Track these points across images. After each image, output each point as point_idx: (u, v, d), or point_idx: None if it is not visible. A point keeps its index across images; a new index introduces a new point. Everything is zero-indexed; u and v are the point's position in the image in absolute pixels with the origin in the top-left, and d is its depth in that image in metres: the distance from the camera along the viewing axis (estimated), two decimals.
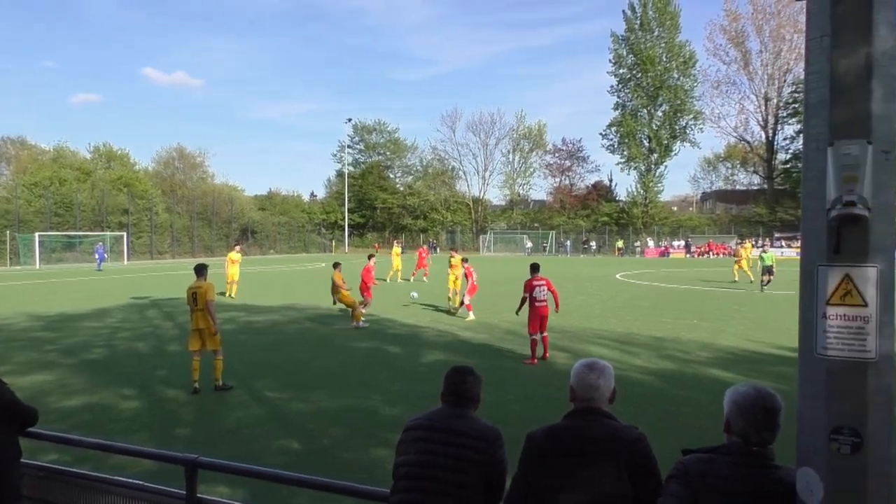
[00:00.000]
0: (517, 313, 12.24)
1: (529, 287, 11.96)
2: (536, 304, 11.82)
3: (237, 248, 26.37)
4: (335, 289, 15.97)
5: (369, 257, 18.51)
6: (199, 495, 3.60)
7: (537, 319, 11.77)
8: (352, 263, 29.03)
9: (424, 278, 29.77)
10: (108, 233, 52.29)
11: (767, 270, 25.12)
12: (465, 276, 18.41)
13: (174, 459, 3.80)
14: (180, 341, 13.78)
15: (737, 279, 29.60)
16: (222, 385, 9.66)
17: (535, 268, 12.27)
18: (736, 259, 30.97)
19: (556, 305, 12.30)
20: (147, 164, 76.22)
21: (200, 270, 10.18)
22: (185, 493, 3.58)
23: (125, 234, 53.12)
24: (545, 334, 11.93)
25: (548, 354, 11.85)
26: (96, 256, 42.46)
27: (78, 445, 4.72)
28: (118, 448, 4.81)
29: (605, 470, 2.58)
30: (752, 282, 28.21)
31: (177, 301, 21.47)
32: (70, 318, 17.61)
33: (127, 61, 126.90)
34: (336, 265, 16.48)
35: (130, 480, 4.06)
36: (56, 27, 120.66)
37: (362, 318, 15.89)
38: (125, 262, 50.76)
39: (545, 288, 11.94)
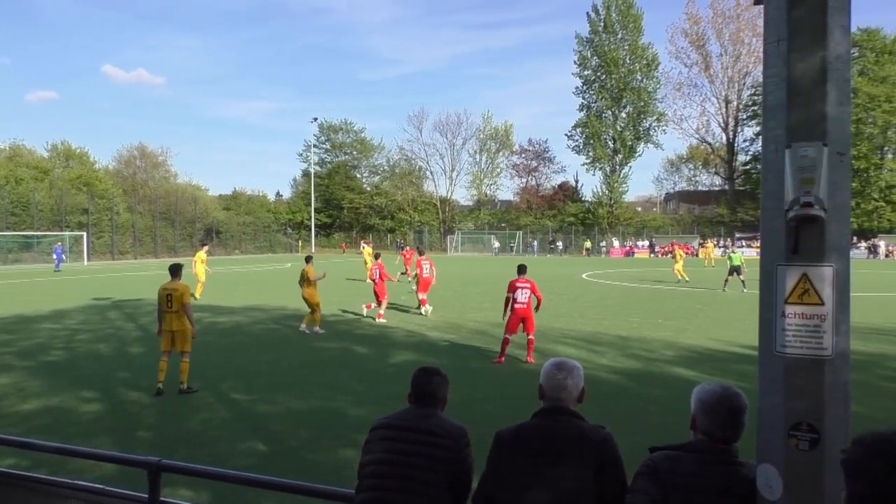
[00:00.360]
0: (503, 318, 12.02)
1: (512, 287, 11.80)
2: (516, 305, 11.70)
3: (205, 248, 25.97)
4: (307, 283, 15.23)
5: (376, 256, 18.23)
6: (162, 499, 3.54)
7: (516, 320, 11.67)
8: (321, 263, 28.78)
9: (402, 276, 29.34)
10: (67, 233, 51.08)
11: (735, 270, 25.35)
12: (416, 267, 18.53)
13: (136, 463, 3.73)
14: (142, 343, 13.55)
15: (681, 279, 30.07)
16: (187, 388, 9.49)
17: (521, 269, 12.03)
18: (674, 260, 31.61)
19: (538, 305, 12.05)
20: (107, 163, 74.53)
21: (175, 271, 10.02)
22: (147, 496, 3.51)
23: (85, 234, 51.94)
24: (531, 336, 11.74)
25: (531, 358, 11.55)
26: (54, 257, 41.46)
27: (36, 450, 4.60)
28: (78, 452, 4.70)
29: (571, 470, 2.60)
30: (687, 281, 29.23)
31: (139, 302, 21.09)
32: (27, 319, 17.16)
33: (85, 58, 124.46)
34: (308, 259, 16.10)
35: (91, 485, 3.97)
36: (10, 23, 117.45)
37: (319, 324, 15.15)
38: (85, 262, 49.64)
39: (528, 290, 11.74)
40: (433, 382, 3.19)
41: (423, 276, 18.31)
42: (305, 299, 15.24)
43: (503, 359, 11.58)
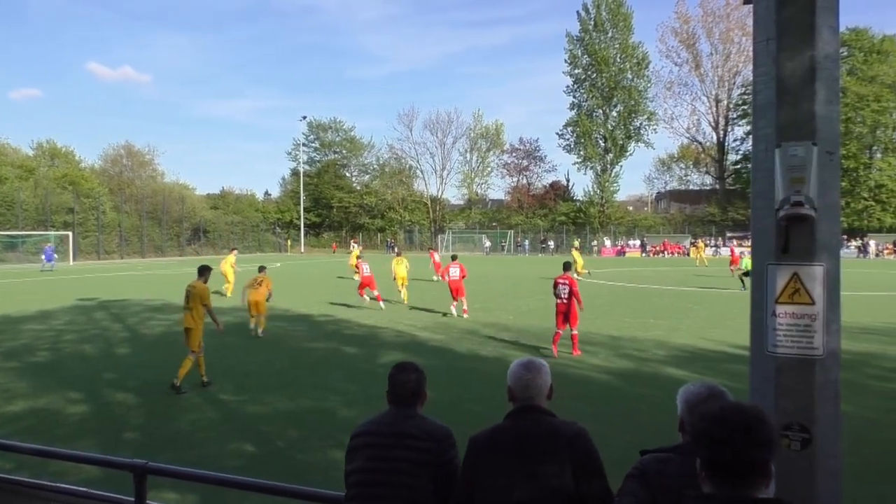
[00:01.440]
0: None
1: (554, 284, 12.69)
2: (557, 301, 12.48)
3: (234, 252, 26.98)
4: (262, 287, 14.90)
5: (453, 258, 18.89)
6: (148, 502, 3.50)
7: (559, 315, 12.43)
8: (308, 263, 28.67)
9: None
10: (52, 232, 50.65)
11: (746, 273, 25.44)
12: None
13: (122, 465, 3.68)
14: (129, 343, 13.45)
15: (581, 275, 30.91)
16: (178, 386, 9.45)
17: (564, 266, 13.02)
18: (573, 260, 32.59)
19: (580, 304, 12.61)
20: (93, 162, 74.00)
21: (202, 271, 10.39)
22: (133, 499, 3.47)
23: (71, 233, 51.53)
24: (574, 332, 12.36)
25: (577, 351, 12.06)
26: (43, 258, 41.14)
27: (21, 452, 4.54)
28: (63, 454, 4.65)
29: (548, 466, 2.58)
30: (588, 274, 30.57)
31: (125, 303, 20.96)
32: (12, 320, 17.00)
33: (70, 55, 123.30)
34: (263, 268, 16.17)
35: (76, 487, 3.92)
36: None
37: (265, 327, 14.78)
38: (71, 262, 49.25)
39: (567, 287, 12.38)
40: (412, 380, 3.15)
41: (364, 274, 19.65)
42: (258, 303, 14.64)
43: (556, 352, 12.00)
